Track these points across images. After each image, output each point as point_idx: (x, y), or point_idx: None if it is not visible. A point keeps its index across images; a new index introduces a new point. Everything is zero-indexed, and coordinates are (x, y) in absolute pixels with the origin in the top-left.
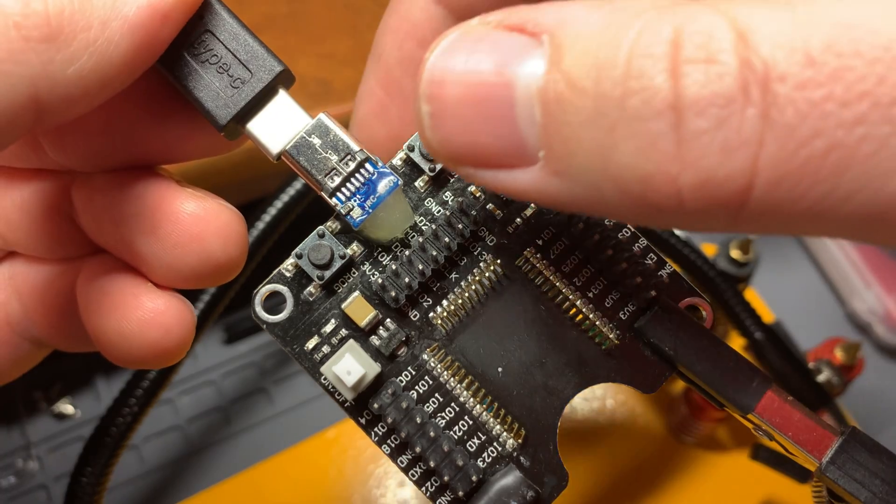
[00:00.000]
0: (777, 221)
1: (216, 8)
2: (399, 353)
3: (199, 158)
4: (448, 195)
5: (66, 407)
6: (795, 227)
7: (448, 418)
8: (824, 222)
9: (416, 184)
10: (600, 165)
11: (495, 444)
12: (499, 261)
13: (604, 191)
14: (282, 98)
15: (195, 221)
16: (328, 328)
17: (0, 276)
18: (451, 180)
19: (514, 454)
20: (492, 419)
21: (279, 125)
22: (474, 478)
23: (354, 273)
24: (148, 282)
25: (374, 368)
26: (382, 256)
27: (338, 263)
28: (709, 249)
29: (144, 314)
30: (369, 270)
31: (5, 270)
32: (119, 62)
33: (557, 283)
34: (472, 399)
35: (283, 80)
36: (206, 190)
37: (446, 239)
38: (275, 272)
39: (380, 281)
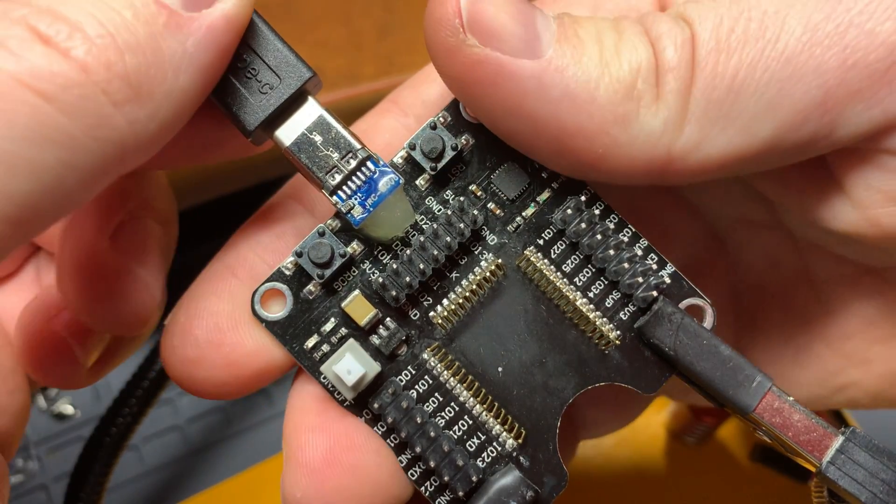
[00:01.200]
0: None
1: None
2: (399, 352)
3: (223, 161)
4: (449, 194)
5: (66, 407)
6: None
7: (448, 418)
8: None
9: (417, 182)
10: (600, 65)
11: (495, 443)
12: (500, 260)
13: (599, 87)
14: (310, 105)
15: (101, 284)
16: (328, 327)
17: (33, 275)
18: (452, 179)
19: (514, 454)
20: (492, 419)
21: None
22: (474, 478)
23: (354, 272)
24: None
25: (375, 368)
26: (383, 255)
27: (338, 262)
28: None
29: None
30: (369, 269)
31: (33, 269)
32: (190, 103)
33: (558, 283)
34: (472, 399)
35: (312, 86)
36: (156, 258)
37: (447, 238)
38: (274, 270)
39: (380, 280)
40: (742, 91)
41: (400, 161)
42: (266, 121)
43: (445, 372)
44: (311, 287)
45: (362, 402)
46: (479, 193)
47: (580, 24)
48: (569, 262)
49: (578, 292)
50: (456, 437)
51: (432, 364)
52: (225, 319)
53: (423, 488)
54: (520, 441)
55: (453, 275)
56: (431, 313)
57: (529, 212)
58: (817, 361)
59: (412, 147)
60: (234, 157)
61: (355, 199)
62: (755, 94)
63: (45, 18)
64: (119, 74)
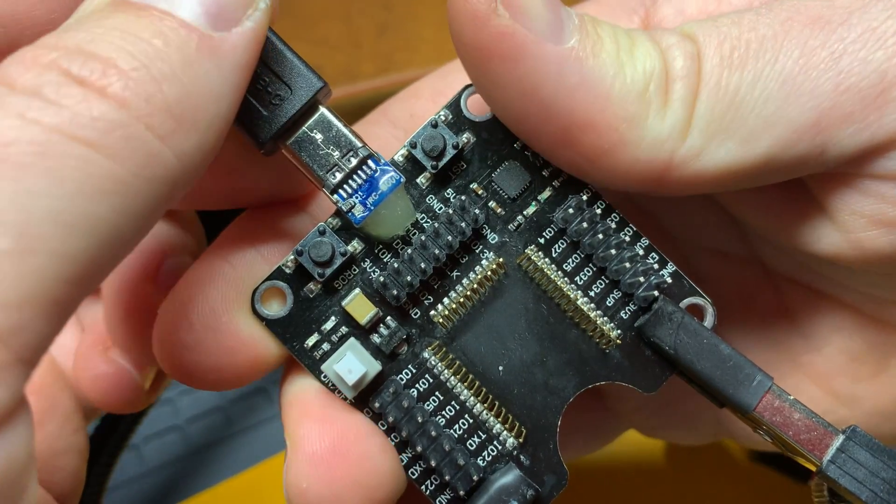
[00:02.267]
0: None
1: None
2: (400, 351)
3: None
4: (450, 192)
5: None
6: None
7: (448, 417)
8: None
9: (417, 180)
10: (617, 63)
11: (495, 442)
12: (501, 259)
13: (614, 83)
14: (322, 114)
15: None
16: (328, 325)
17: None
18: (454, 178)
19: (515, 453)
20: (492, 418)
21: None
22: (475, 476)
23: (355, 270)
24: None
25: (376, 367)
26: (383, 254)
27: (338, 261)
28: None
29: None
30: (370, 268)
31: None
32: (228, 126)
33: (559, 282)
34: (472, 398)
35: (323, 95)
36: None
37: (448, 237)
38: (274, 268)
39: (381, 279)
40: (742, 106)
41: (401, 159)
42: (278, 133)
43: (446, 371)
44: (311, 285)
45: (363, 400)
46: (480, 192)
47: (598, 23)
48: (570, 260)
49: (579, 291)
50: (457, 435)
51: (433, 363)
52: (220, 304)
53: (423, 487)
54: (520, 440)
55: (454, 273)
56: (432, 312)
57: (530, 210)
58: (808, 402)
59: (413, 145)
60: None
61: (356, 197)
62: (754, 110)
63: (76, 59)
64: (160, 107)
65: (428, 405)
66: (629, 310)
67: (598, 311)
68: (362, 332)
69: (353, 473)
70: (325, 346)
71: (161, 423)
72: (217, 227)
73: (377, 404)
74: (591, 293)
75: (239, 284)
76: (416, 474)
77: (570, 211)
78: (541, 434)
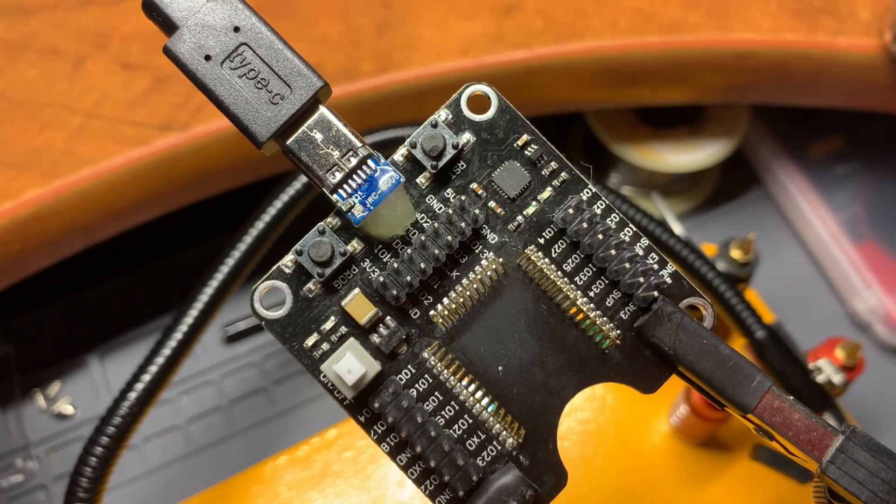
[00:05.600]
0: None
1: (254, 21)
2: (399, 351)
3: None
4: (450, 192)
5: (66, 407)
6: None
7: (448, 417)
8: None
9: (417, 180)
10: None
11: (495, 442)
12: (500, 259)
13: None
14: (322, 114)
15: None
16: (328, 325)
17: None
18: (453, 178)
19: (514, 453)
20: (492, 418)
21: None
22: (474, 477)
23: (354, 270)
24: None
25: (375, 367)
26: (383, 254)
27: (338, 260)
28: (709, 249)
29: None
30: (370, 268)
31: None
32: None
33: (558, 282)
34: (472, 398)
35: (323, 94)
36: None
37: (448, 237)
38: (274, 268)
39: (381, 279)
40: None
41: (400, 159)
42: (277, 132)
43: (445, 371)
44: (310, 285)
45: (362, 400)
46: (479, 192)
47: None
48: (569, 261)
49: (579, 291)
50: (456, 435)
51: (432, 363)
52: None
53: (422, 487)
54: (520, 440)
55: (454, 273)
56: (432, 312)
57: (530, 210)
58: None
59: (413, 145)
60: None
61: (356, 197)
62: None
63: None
64: None
65: (427, 405)
66: (629, 310)
67: (598, 312)
68: (362, 332)
69: None
70: (325, 346)
71: (161, 423)
72: (216, 225)
73: (377, 404)
74: (591, 293)
75: None
76: (416, 474)
77: (570, 211)
78: (540, 434)
